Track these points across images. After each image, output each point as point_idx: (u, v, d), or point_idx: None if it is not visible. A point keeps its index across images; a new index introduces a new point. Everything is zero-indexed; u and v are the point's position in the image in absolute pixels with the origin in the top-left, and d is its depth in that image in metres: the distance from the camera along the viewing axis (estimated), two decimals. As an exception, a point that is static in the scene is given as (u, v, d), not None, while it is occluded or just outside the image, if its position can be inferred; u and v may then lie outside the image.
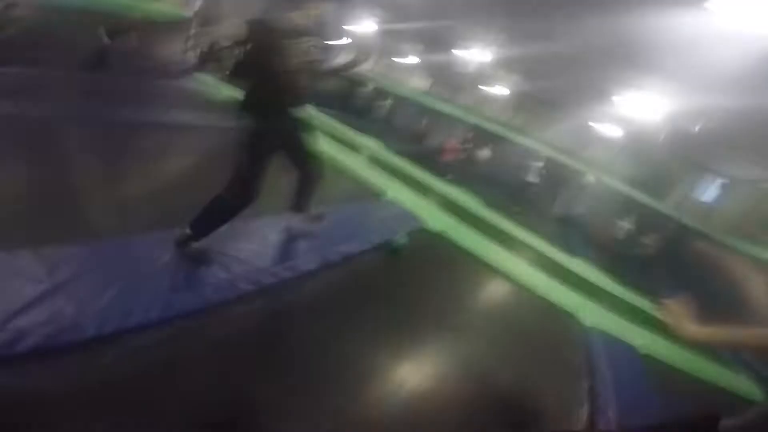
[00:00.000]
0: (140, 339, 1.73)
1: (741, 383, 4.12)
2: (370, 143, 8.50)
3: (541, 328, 3.66)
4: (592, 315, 4.06)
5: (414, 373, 2.30)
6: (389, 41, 17.61)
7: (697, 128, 9.29)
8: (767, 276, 2.08)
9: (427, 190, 6.50)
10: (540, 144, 12.78)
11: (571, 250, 6.94)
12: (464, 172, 10.95)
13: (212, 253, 2.32)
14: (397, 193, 5.23)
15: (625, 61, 6.33)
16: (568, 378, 2.93)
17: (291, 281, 2.52)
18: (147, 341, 1.74)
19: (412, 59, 18.97)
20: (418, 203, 5.26)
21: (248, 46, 2.31)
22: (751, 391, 3.97)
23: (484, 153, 12.68)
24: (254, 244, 2.62)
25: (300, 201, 2.78)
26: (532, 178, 11.08)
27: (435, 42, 14.26)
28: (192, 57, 9.44)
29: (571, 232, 10.34)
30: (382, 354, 2.29)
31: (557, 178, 12.22)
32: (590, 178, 12.56)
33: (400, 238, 3.68)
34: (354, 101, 15.31)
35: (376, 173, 5.92)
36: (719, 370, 4.22)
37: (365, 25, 15.15)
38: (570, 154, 13.38)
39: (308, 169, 2.66)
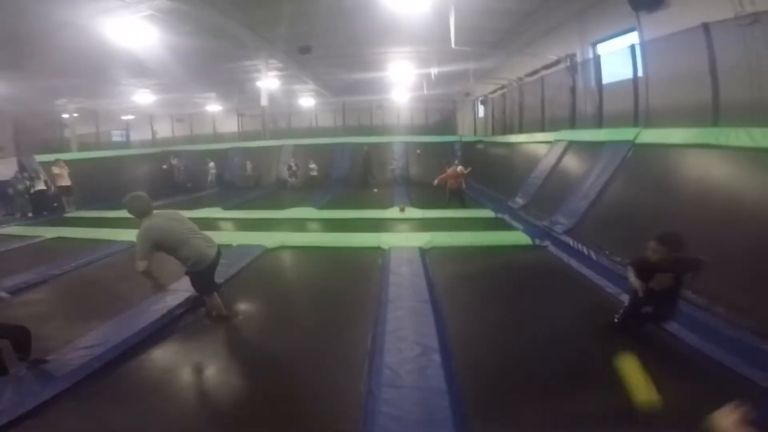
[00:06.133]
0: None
1: (516, 237, 6.56)
2: (208, 212, 9.93)
3: (358, 264, 5.69)
4: (387, 241, 6.39)
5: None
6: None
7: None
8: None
9: (264, 222, 8.44)
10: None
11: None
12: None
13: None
14: (240, 238, 6.88)
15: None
16: (371, 283, 4.85)
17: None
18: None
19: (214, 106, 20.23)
20: (257, 236, 7.03)
21: None
22: (525, 240, 6.35)
23: (312, 167, 14.92)
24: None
25: None
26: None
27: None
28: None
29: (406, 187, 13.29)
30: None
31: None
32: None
33: None
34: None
35: (222, 233, 7.58)
36: (495, 234, 6.77)
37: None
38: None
39: None
